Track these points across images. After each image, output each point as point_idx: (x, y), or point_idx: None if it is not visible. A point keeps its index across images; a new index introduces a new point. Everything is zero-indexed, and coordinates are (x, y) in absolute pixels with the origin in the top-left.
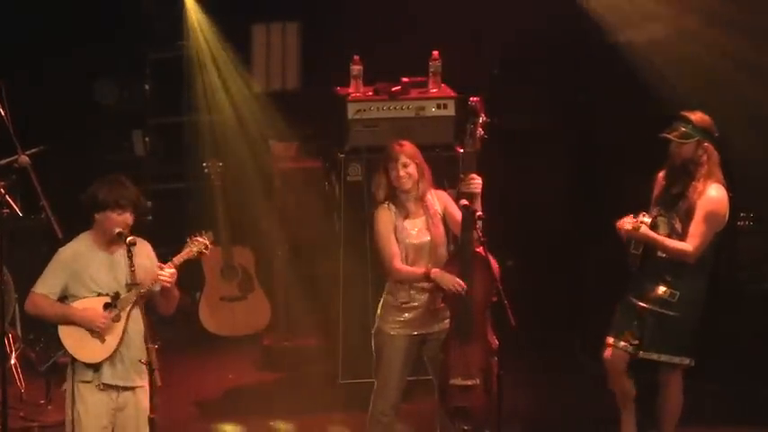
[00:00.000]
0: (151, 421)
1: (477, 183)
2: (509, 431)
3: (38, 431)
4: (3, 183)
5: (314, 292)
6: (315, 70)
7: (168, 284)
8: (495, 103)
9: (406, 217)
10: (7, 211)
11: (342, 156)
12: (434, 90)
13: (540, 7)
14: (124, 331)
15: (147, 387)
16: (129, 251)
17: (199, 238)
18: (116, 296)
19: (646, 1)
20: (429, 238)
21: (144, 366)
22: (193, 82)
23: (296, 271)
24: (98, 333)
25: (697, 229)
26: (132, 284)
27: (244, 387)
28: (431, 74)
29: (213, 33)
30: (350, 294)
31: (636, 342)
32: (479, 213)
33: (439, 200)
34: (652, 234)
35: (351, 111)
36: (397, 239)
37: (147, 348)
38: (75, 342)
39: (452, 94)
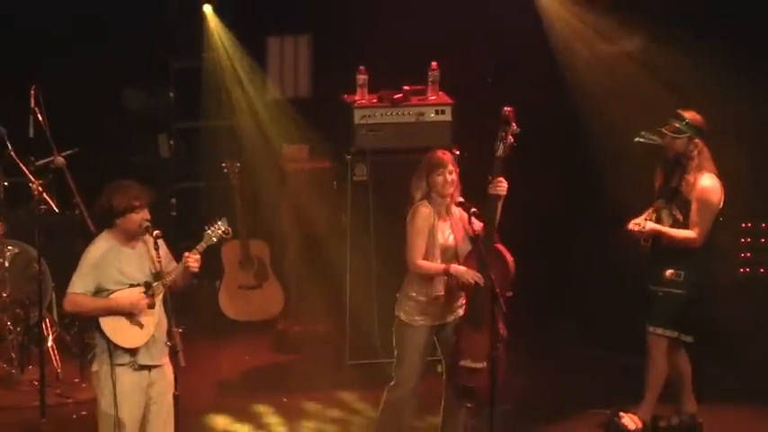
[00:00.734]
0: (175, 398)
1: (503, 186)
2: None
3: (72, 407)
4: (40, 182)
5: (323, 281)
6: (324, 79)
7: (196, 270)
8: (489, 109)
9: (439, 218)
10: (44, 207)
11: (349, 157)
12: (433, 97)
13: (528, 22)
14: (159, 316)
15: (170, 363)
16: (155, 243)
17: (215, 225)
18: (147, 285)
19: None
20: (453, 241)
21: (167, 347)
22: (213, 89)
23: (307, 262)
24: (137, 320)
25: (697, 217)
26: (159, 274)
27: (259, 367)
28: (430, 82)
29: (231, 45)
30: (356, 283)
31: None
32: (474, 210)
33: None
34: (659, 227)
35: (357, 116)
36: (431, 238)
37: (173, 332)
38: (116, 331)
39: (449, 100)
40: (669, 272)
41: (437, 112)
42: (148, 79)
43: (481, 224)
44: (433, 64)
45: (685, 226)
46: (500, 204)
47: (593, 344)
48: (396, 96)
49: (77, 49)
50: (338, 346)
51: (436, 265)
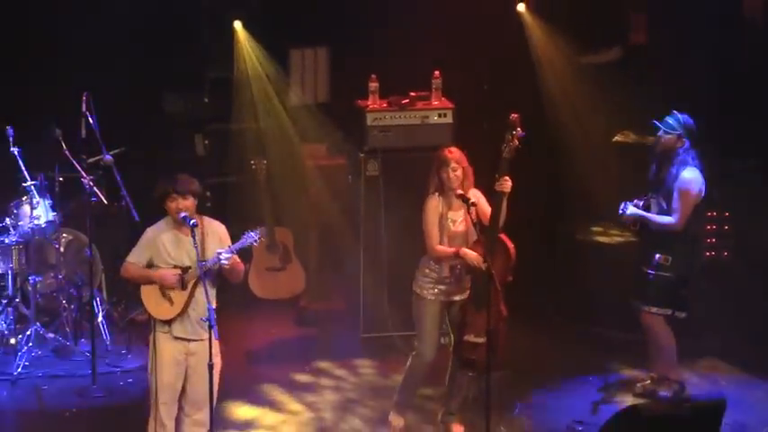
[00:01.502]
0: (210, 367)
1: (508, 184)
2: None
3: (120, 375)
4: (91, 177)
5: (340, 263)
6: (340, 86)
7: (226, 265)
8: (485, 112)
9: (450, 209)
10: (95, 200)
11: (362, 155)
12: (436, 102)
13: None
14: (190, 296)
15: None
16: (192, 233)
17: (252, 233)
18: (186, 269)
19: None
20: (464, 228)
21: (206, 324)
22: (242, 95)
23: (325, 247)
24: (168, 297)
25: (677, 205)
26: (198, 261)
27: (284, 339)
28: (433, 89)
29: (259, 56)
30: (368, 265)
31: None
32: (472, 200)
33: (474, 196)
34: (641, 213)
35: (369, 119)
36: (441, 225)
37: (209, 309)
38: (151, 302)
39: (450, 105)
40: (658, 256)
41: (440, 116)
42: (186, 87)
43: (480, 215)
44: (436, 73)
45: (667, 213)
46: (505, 200)
47: (577, 319)
48: (403, 101)
49: (124, 61)
50: (353, 320)
51: (449, 249)
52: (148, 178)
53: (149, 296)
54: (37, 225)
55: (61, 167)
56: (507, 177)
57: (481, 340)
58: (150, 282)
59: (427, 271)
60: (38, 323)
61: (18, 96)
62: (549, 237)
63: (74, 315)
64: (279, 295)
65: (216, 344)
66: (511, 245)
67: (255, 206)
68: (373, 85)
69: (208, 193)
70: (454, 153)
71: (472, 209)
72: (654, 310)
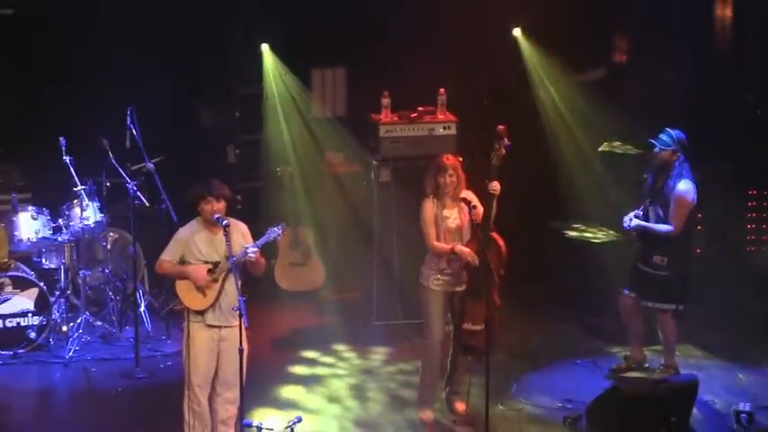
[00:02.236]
0: (240, 351)
1: (496, 188)
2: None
3: (160, 359)
4: (135, 182)
5: (355, 259)
6: (356, 101)
7: (253, 259)
8: (485, 125)
9: (444, 207)
10: (138, 203)
11: (375, 163)
12: (441, 116)
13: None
14: (221, 288)
15: (238, 327)
16: (225, 232)
17: (275, 228)
18: (216, 264)
19: None
20: (458, 224)
21: (236, 313)
22: (270, 109)
23: (342, 244)
24: (201, 289)
25: (674, 213)
26: (227, 256)
27: (305, 327)
28: (439, 104)
29: (284, 75)
30: (381, 260)
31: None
32: (473, 204)
33: (467, 196)
34: (644, 224)
35: (382, 131)
36: (437, 224)
37: (239, 300)
38: (185, 294)
39: (454, 118)
40: (656, 257)
41: (444, 128)
42: (219, 102)
43: (475, 214)
44: (441, 90)
45: (666, 221)
46: (494, 202)
47: (566, 308)
48: (412, 115)
49: (165, 79)
50: (367, 310)
51: (445, 245)
52: (185, 184)
53: (184, 289)
54: (86, 225)
55: (108, 174)
56: (496, 182)
57: (479, 328)
58: (184, 278)
59: (431, 265)
60: (87, 312)
61: (70, 110)
62: (541, 234)
63: (119, 305)
64: (301, 287)
65: (245, 331)
66: (502, 242)
67: (280, 208)
68: (385, 101)
69: (238, 197)
70: (451, 160)
71: (473, 210)
72: (665, 306)
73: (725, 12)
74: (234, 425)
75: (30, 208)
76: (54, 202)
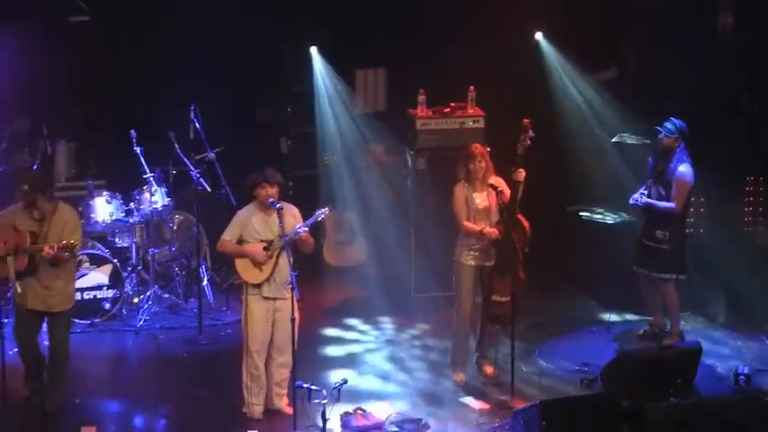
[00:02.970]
0: (292, 321)
1: (522, 174)
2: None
3: (221, 327)
4: (198, 170)
5: (395, 237)
6: (395, 98)
7: (303, 238)
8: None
9: (474, 191)
10: (201, 188)
11: (412, 153)
12: (471, 111)
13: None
14: (275, 264)
15: (290, 298)
16: (279, 214)
17: (322, 210)
18: (270, 242)
19: None
20: (486, 205)
21: (289, 286)
22: (318, 105)
23: (383, 224)
24: (258, 264)
25: (675, 193)
26: (281, 235)
27: (349, 299)
28: (469, 100)
29: (331, 75)
30: (418, 239)
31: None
32: (500, 188)
33: (496, 182)
34: (650, 201)
35: (418, 124)
36: (468, 205)
37: (291, 275)
38: (243, 269)
39: (482, 113)
40: (658, 232)
41: (474, 122)
42: (274, 98)
43: (503, 197)
44: (471, 87)
45: (668, 199)
46: (521, 187)
47: (582, 282)
48: (445, 110)
49: (225, 77)
50: (406, 283)
51: (475, 225)
52: (243, 172)
53: (242, 265)
54: (155, 208)
55: (174, 163)
56: (522, 169)
57: (505, 299)
58: (243, 256)
59: (463, 242)
60: (156, 286)
61: (140, 106)
62: (560, 217)
63: (184, 279)
64: (346, 264)
65: (297, 302)
66: (527, 223)
67: (327, 193)
68: (422, 98)
69: (290, 183)
70: (479, 149)
71: (500, 195)
72: (665, 276)
73: (726, 19)
74: (287, 386)
75: (104, 193)
76: (126, 188)
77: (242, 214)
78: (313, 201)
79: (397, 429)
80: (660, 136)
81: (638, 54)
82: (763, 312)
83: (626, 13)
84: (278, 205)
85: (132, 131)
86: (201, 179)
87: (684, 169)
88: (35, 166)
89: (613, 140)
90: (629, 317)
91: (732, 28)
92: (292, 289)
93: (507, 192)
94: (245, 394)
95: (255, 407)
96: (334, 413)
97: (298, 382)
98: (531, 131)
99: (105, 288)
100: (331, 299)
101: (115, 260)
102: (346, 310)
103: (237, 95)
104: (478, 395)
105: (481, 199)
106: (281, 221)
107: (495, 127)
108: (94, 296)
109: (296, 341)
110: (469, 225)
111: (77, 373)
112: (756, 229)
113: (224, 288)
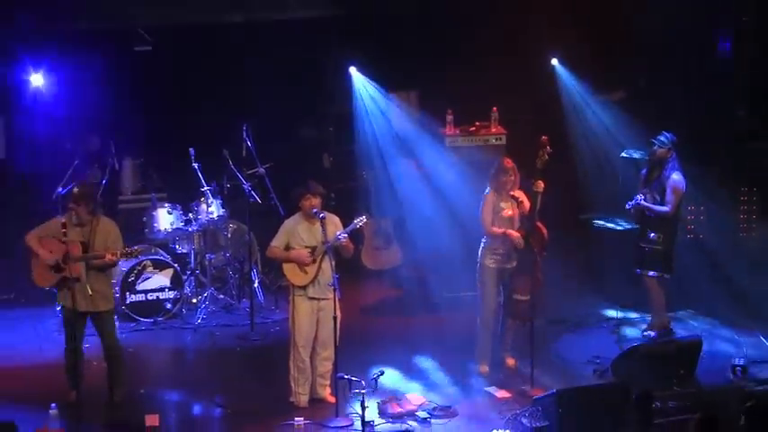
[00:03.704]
0: (334, 319)
1: (540, 185)
2: (539, 322)
3: (271, 325)
4: (250, 184)
5: (427, 242)
6: (426, 118)
7: (343, 243)
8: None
9: (501, 201)
10: (253, 200)
11: (442, 167)
12: (494, 129)
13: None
14: (319, 267)
15: (333, 299)
16: (322, 223)
17: (359, 218)
18: (314, 248)
19: None
20: (511, 214)
21: (331, 287)
22: (357, 124)
23: (415, 231)
24: (303, 268)
25: (669, 198)
26: (323, 242)
27: (386, 298)
28: (492, 120)
29: (369, 96)
30: (446, 243)
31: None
32: (521, 200)
33: (518, 194)
34: (646, 204)
35: (447, 141)
36: (494, 213)
37: (333, 277)
38: (290, 273)
39: (504, 131)
40: (652, 234)
41: (497, 139)
42: (317, 118)
43: (523, 208)
44: (494, 108)
45: (662, 204)
46: (539, 197)
47: (594, 283)
48: (471, 129)
49: (273, 100)
50: (438, 283)
51: (499, 229)
52: (290, 185)
53: (289, 269)
54: (211, 218)
55: (228, 177)
56: (540, 181)
57: (525, 298)
58: (289, 261)
59: (488, 247)
60: (212, 288)
61: (197, 126)
62: (574, 224)
63: (237, 282)
64: (382, 267)
65: (338, 302)
66: (545, 230)
67: (365, 203)
68: (450, 117)
69: (331, 195)
70: (510, 164)
71: (521, 205)
72: (651, 273)
73: (724, 43)
74: (329, 377)
75: (166, 205)
76: (185, 200)
77: (289, 223)
78: (352, 210)
79: (428, 415)
80: (654, 147)
81: (643, 78)
82: (757, 309)
83: (632, 41)
84: (321, 215)
85: (191, 149)
86: (253, 192)
87: (677, 177)
88: (104, 181)
89: (622, 155)
90: (636, 314)
91: (727, 54)
92: (334, 290)
93: (527, 203)
94: (292, 385)
95: (301, 396)
96: (372, 401)
97: (339, 374)
98: (548, 147)
99: (167, 290)
100: (369, 298)
101: (176, 265)
102: (383, 308)
103: (284, 116)
104: (501, 384)
105: (507, 208)
106: (323, 229)
107: (515, 143)
108: (157, 297)
109: (338, 337)
110: (495, 229)
111: (142, 366)
112: (750, 235)
113: (273, 289)
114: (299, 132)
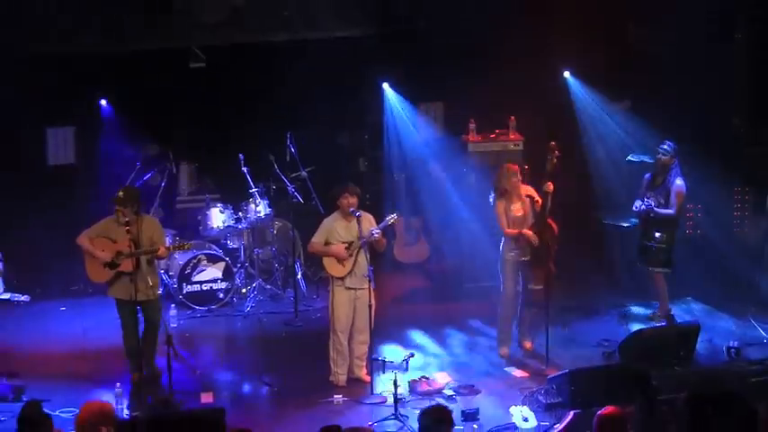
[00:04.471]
0: (369, 306)
1: (550, 186)
2: (553, 309)
3: (312, 312)
4: (294, 186)
5: (451, 238)
6: (451, 127)
7: (377, 239)
8: (542, 143)
9: (511, 203)
10: (296, 200)
11: (465, 170)
12: (512, 136)
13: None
14: (355, 261)
15: (368, 288)
16: (358, 220)
17: (390, 216)
18: (351, 243)
19: None
20: (522, 214)
21: (367, 278)
22: (388, 132)
23: (442, 228)
24: (341, 261)
25: (674, 201)
26: (359, 237)
27: (416, 288)
28: (510, 127)
29: (398, 107)
30: (468, 239)
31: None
32: (537, 200)
33: (528, 192)
34: (654, 208)
35: (470, 147)
36: (507, 215)
37: (368, 269)
38: (330, 265)
39: (521, 138)
40: (657, 234)
41: (514, 145)
42: (353, 127)
43: (539, 206)
44: (512, 117)
45: (666, 207)
46: (550, 197)
47: (603, 275)
48: (491, 136)
49: (313, 111)
50: (460, 274)
51: (514, 231)
52: (329, 186)
53: (329, 262)
54: (259, 217)
55: (274, 180)
56: (550, 183)
57: (540, 287)
58: (329, 255)
59: (506, 243)
60: (260, 279)
61: (247, 134)
62: (584, 221)
63: (283, 274)
64: (412, 260)
65: (373, 291)
66: (555, 226)
67: (397, 203)
68: (472, 126)
69: (366, 195)
70: (515, 167)
71: (535, 203)
72: (658, 270)
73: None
74: (365, 359)
75: (218, 205)
76: (236, 200)
77: (327, 221)
78: (384, 209)
79: (453, 393)
80: (659, 155)
81: (647, 89)
82: (749, 297)
83: (636, 55)
84: (357, 213)
85: (240, 155)
86: (296, 193)
87: (680, 182)
88: (162, 184)
89: (627, 159)
90: (641, 303)
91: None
92: (369, 281)
93: (538, 198)
94: (332, 366)
95: (340, 376)
96: (404, 381)
97: (374, 356)
98: (556, 151)
99: (219, 281)
100: (400, 288)
101: (227, 258)
102: (413, 297)
103: (324, 125)
104: (519, 365)
105: (517, 208)
106: (359, 226)
107: (532, 148)
108: (210, 287)
109: (372, 323)
110: (510, 231)
111: (197, 350)
112: (743, 231)
113: (314, 280)
114: (336, 140)
